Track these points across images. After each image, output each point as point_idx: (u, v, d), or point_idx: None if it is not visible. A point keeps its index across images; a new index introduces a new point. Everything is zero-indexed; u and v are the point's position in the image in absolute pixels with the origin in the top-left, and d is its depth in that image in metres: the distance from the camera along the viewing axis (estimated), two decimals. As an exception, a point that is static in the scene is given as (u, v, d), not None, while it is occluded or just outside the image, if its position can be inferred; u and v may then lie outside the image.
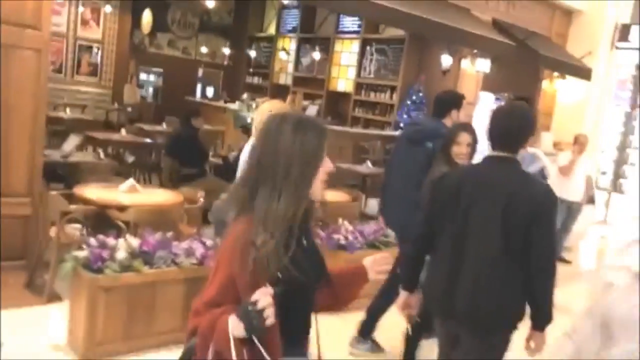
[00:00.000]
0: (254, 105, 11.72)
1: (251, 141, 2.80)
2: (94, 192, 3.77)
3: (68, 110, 9.03)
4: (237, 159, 5.99)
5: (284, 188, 1.42)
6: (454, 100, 3.60)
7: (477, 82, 7.46)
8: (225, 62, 14.61)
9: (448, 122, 3.53)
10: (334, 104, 12.12)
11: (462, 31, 6.27)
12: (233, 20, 14.59)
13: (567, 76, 8.32)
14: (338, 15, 11.95)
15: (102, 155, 5.18)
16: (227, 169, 6.10)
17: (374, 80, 11.26)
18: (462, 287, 2.20)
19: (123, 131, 7.14)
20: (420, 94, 9.84)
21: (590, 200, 7.46)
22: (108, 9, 11.87)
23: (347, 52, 11.94)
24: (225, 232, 1.49)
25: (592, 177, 6.96)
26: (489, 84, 8.25)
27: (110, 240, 2.98)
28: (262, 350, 1.32)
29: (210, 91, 14.70)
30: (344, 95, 11.91)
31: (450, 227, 2.27)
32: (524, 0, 7.77)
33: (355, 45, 11.69)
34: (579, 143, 6.34)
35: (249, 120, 11.66)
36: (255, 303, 1.28)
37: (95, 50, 12.26)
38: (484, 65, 7.27)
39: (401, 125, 10.06)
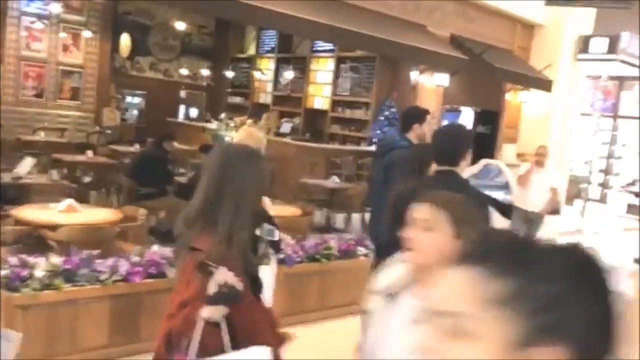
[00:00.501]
0: (232, 124, 11.92)
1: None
2: (30, 212, 3.87)
3: (43, 133, 9.16)
4: (194, 178, 6.15)
5: (243, 207, 1.76)
6: (415, 115, 3.81)
7: (437, 96, 7.58)
8: (207, 84, 14.79)
9: (412, 136, 3.69)
10: (312, 121, 12.28)
11: (413, 48, 6.41)
12: (214, 42, 14.81)
13: (531, 88, 8.44)
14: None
15: (55, 176, 5.26)
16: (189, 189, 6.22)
17: (349, 97, 11.45)
18: None
19: (89, 153, 7.25)
20: (393, 110, 10.00)
21: (555, 211, 7.53)
22: (87, 34, 12.06)
23: (322, 71, 12.14)
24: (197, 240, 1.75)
25: (559, 188, 7.04)
26: (452, 98, 8.39)
27: (31, 259, 3.06)
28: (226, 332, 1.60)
29: (193, 112, 14.86)
30: (321, 113, 12.09)
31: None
32: (484, 15, 7.93)
33: (330, 64, 11.89)
34: (537, 154, 6.44)
35: (227, 139, 11.84)
36: (224, 282, 1.56)
37: (76, 74, 12.43)
38: (442, 79, 7.40)
39: (374, 140, 10.23)
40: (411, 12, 7.01)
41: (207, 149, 6.60)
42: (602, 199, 13.99)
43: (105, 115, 12.16)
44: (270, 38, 13.54)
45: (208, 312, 1.58)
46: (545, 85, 8.11)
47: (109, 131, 11.73)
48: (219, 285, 1.56)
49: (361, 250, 4.76)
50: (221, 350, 1.59)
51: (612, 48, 8.30)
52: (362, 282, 4.67)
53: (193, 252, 1.71)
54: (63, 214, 3.92)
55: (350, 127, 11.43)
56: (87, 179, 6.05)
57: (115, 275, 3.22)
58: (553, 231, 7.71)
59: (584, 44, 8.58)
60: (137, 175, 6.09)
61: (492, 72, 7.31)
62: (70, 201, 4.06)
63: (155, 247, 3.50)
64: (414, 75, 8.74)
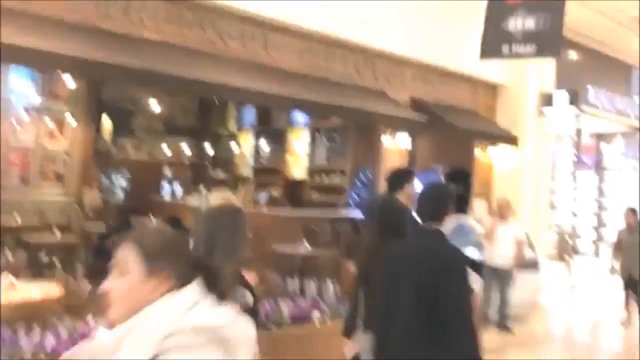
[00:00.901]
0: (211, 198, 11.96)
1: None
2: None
3: (19, 218, 9.19)
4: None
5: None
6: (405, 176, 3.93)
7: (401, 157, 7.68)
8: (190, 161, 15.02)
9: (402, 196, 3.71)
10: (292, 190, 12.37)
11: (371, 113, 6.58)
12: (197, 121, 15.18)
13: (498, 144, 8.56)
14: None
15: (9, 256, 5.25)
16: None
17: (326, 166, 11.61)
18: (390, 344, 2.58)
19: (57, 233, 7.25)
20: (368, 174, 10.10)
21: (530, 265, 7.43)
22: (71, 120, 12.33)
23: (299, 142, 12.36)
24: None
25: (525, 240, 6.99)
26: (422, 159, 8.49)
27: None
28: None
29: (178, 189, 15.00)
30: (300, 182, 12.20)
31: (381, 284, 2.73)
32: (444, 78, 8.17)
33: (306, 135, 12.13)
34: (499, 207, 6.44)
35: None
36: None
37: (60, 160, 12.61)
38: (404, 141, 7.52)
39: (352, 205, 10.28)
40: (369, 79, 7.23)
41: (175, 222, 6.62)
42: (596, 253, 13.86)
43: (86, 196, 12.24)
44: (250, 113, 13.89)
45: None
46: (510, 140, 8.23)
47: (90, 213, 11.79)
48: None
49: (316, 314, 4.67)
50: None
51: (574, 101, 8.50)
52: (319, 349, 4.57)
53: None
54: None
55: (328, 194, 11.49)
56: (45, 259, 6.00)
57: (39, 352, 3.15)
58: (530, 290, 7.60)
59: (546, 100, 8.78)
60: (99, 251, 6.06)
61: (453, 132, 7.43)
62: (8, 278, 4.02)
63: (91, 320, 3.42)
64: (387, 140, 8.94)
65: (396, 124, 6.99)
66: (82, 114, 12.39)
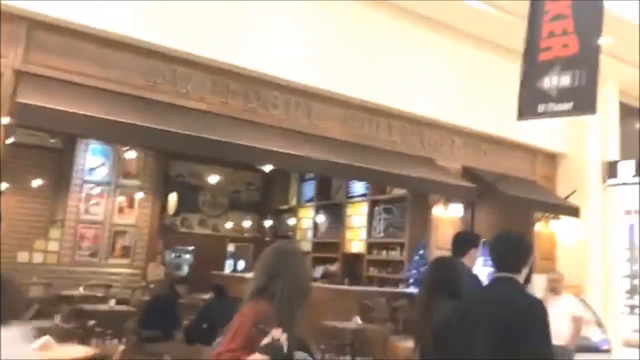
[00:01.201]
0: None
1: None
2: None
3: (81, 288, 9.55)
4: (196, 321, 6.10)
5: (291, 293, 2.28)
6: (472, 240, 3.89)
7: (453, 227, 7.40)
8: (253, 236, 15.23)
9: (467, 260, 3.68)
10: (350, 265, 12.20)
11: (418, 179, 6.47)
12: (260, 197, 15.54)
13: (560, 216, 8.11)
14: (347, 181, 12.58)
15: (58, 320, 5.40)
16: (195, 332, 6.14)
17: (384, 239, 11.40)
18: None
19: (112, 302, 7.42)
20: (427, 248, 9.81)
21: (595, 346, 6.75)
22: (141, 195, 12.97)
23: (357, 215, 12.29)
24: (247, 305, 2.27)
25: (585, 317, 6.38)
26: (480, 230, 8.15)
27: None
28: None
29: (241, 264, 15.16)
30: (358, 256, 12.01)
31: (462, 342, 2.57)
32: (498, 147, 7.97)
33: (364, 208, 12.06)
34: (550, 281, 5.99)
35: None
36: (278, 339, 2.05)
37: (128, 234, 13.17)
38: (456, 210, 7.28)
39: (410, 280, 9.94)
40: (417, 148, 7.18)
41: (218, 288, 6.63)
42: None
43: (150, 270, 12.58)
44: (311, 188, 14.07)
45: (256, 357, 2.05)
46: (571, 211, 7.79)
47: (152, 285, 12.05)
48: (272, 339, 2.04)
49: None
50: None
51: (639, 171, 7.99)
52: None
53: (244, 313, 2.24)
54: (37, 351, 3.93)
55: (386, 269, 11.21)
56: (91, 322, 6.11)
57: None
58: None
59: (611, 170, 8.32)
60: (143, 318, 6.11)
61: (509, 201, 7.14)
62: (46, 338, 4.10)
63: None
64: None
65: (445, 191, 6.81)
66: (150, 190, 13.07)
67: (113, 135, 5.15)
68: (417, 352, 3.22)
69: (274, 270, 2.33)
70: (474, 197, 7.03)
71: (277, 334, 2.07)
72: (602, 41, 3.97)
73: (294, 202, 14.82)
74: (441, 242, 7.43)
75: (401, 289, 10.17)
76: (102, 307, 7.35)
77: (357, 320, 7.66)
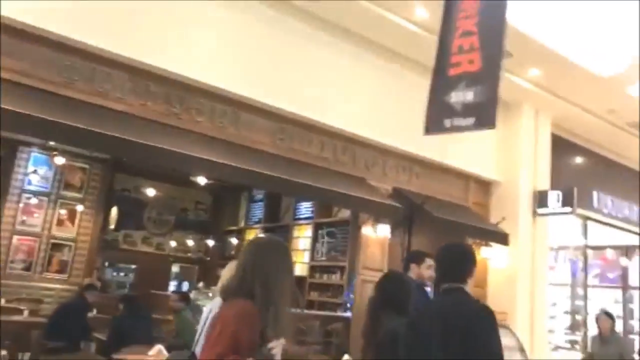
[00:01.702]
0: (210, 294, 11.76)
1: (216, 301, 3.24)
2: None
3: (3, 300, 9.17)
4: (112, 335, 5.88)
5: (272, 286, 2.24)
6: (413, 257, 4.30)
7: (382, 247, 7.40)
8: (199, 257, 14.96)
9: (412, 274, 4.13)
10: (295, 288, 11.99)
11: (344, 195, 6.47)
12: (209, 217, 15.32)
13: (492, 244, 8.19)
14: (296, 203, 12.52)
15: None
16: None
17: (326, 262, 11.32)
18: None
19: (26, 313, 7.13)
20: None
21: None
22: (82, 208, 12.62)
23: (303, 238, 12.20)
24: (226, 307, 2.21)
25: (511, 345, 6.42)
26: (404, 250, 8.20)
27: None
28: None
29: (185, 285, 14.81)
30: (301, 279, 11.85)
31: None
32: (431, 171, 8.05)
33: (309, 230, 12.00)
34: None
35: (204, 308, 11.53)
36: (271, 348, 2.14)
37: (67, 248, 12.74)
38: (384, 230, 7.29)
39: (349, 305, 9.85)
40: (349, 167, 7.20)
41: (128, 300, 6.44)
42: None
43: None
44: (258, 209, 13.96)
45: None
46: (500, 238, 7.88)
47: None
48: (267, 348, 2.13)
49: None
50: None
51: (567, 201, 8.18)
52: None
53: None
54: None
55: (327, 292, 11.10)
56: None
57: None
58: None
59: (541, 199, 8.49)
60: (49, 327, 5.87)
61: (436, 224, 7.18)
62: None
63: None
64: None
65: (372, 210, 6.82)
66: (93, 203, 12.73)
67: (24, 128, 5.00)
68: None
69: (258, 264, 2.22)
70: (402, 218, 7.05)
71: (274, 344, 2.14)
72: (504, 58, 4.08)
73: (242, 223, 14.66)
74: (369, 262, 7.42)
75: (338, 312, 10.08)
76: (15, 317, 7.04)
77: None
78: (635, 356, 6.47)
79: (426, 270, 4.11)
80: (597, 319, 6.79)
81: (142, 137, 5.22)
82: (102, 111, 5.27)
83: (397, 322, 3.12)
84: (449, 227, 7.37)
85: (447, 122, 4.13)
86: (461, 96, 4.09)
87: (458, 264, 2.64)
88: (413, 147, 7.65)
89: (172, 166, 5.62)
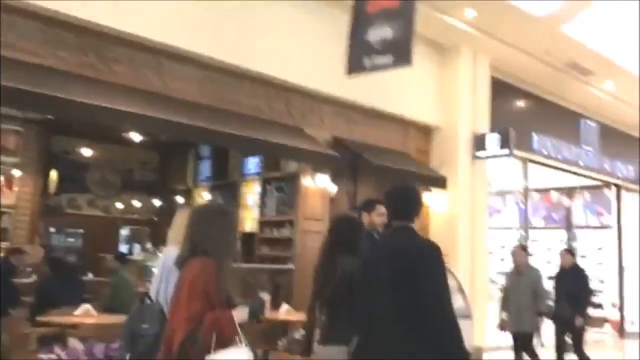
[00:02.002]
0: (159, 254, 11.60)
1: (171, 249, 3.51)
2: None
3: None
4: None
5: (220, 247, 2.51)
6: (362, 205, 4.36)
7: (322, 198, 7.35)
8: (149, 218, 14.68)
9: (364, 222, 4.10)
10: (245, 244, 11.94)
11: (278, 145, 6.34)
12: (157, 176, 14.97)
13: (433, 188, 8.24)
14: (243, 159, 12.33)
15: None
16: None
17: (275, 217, 11.26)
18: (376, 347, 2.51)
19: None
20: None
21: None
22: (18, 172, 12.10)
23: (251, 194, 12.07)
24: (186, 267, 2.42)
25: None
26: (359, 201, 8.18)
27: None
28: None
29: (137, 247, 14.57)
30: (251, 235, 11.80)
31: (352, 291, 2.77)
32: (371, 119, 7.97)
33: (257, 186, 11.86)
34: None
35: (153, 270, 11.42)
36: (261, 298, 2.44)
37: (6, 215, 12.27)
38: (323, 180, 7.22)
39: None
40: (283, 115, 7.03)
41: (54, 262, 6.25)
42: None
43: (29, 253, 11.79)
44: (206, 167, 13.72)
45: (236, 314, 2.36)
46: (438, 182, 7.93)
47: (29, 269, 11.30)
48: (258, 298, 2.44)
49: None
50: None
51: (504, 143, 8.26)
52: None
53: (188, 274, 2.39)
54: None
55: (277, 247, 11.07)
56: None
57: None
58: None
59: (480, 142, 8.55)
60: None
61: (375, 171, 7.15)
62: None
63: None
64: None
65: (310, 159, 6.72)
66: (31, 168, 12.22)
67: None
68: (316, 307, 3.43)
69: (205, 229, 2.47)
70: (342, 167, 6.98)
71: (263, 295, 2.40)
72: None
73: (190, 182, 14.39)
74: (310, 212, 7.38)
75: (289, 265, 10.10)
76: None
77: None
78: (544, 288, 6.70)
79: (377, 217, 4.13)
80: (513, 253, 6.86)
81: (57, 91, 4.92)
82: (11, 64, 4.92)
83: (352, 262, 3.22)
84: (389, 174, 7.35)
85: (367, 61, 4.01)
86: (379, 33, 3.96)
87: (405, 203, 2.72)
88: (351, 94, 7.52)
89: (90, 120, 5.35)
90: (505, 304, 6.68)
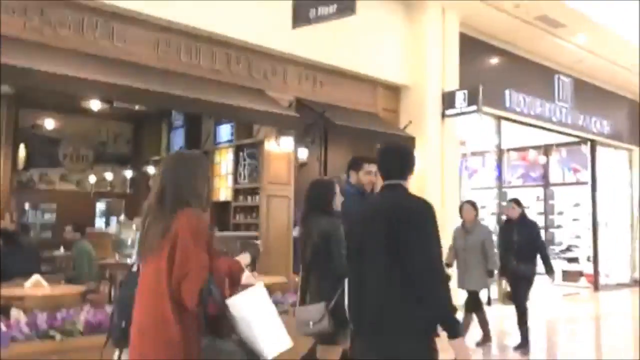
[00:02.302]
0: (134, 226, 11.49)
1: None
2: None
3: None
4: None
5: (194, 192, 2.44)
6: (349, 164, 4.34)
7: (287, 161, 7.23)
8: (123, 191, 14.50)
9: (352, 180, 4.24)
10: (220, 213, 11.85)
11: (236, 107, 6.17)
12: (131, 148, 14.74)
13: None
14: (216, 127, 12.14)
15: None
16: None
17: (249, 184, 11.15)
18: (367, 305, 2.53)
19: None
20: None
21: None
22: (-14, 146, 11.80)
23: (224, 162, 11.92)
24: (171, 221, 2.30)
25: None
26: (329, 165, 8.10)
27: None
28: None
29: (113, 220, 14.41)
30: (225, 204, 11.70)
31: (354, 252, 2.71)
32: (336, 78, 7.80)
33: (230, 154, 11.71)
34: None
35: (129, 243, 11.34)
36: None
37: (-24, 192, 12.02)
38: (287, 144, 7.09)
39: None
40: (245, 78, 6.85)
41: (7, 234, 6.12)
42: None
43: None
44: (179, 137, 13.49)
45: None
46: (406, 142, 7.82)
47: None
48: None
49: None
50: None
51: (472, 100, 8.14)
52: None
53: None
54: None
55: (251, 214, 10.99)
56: None
57: None
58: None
59: (449, 100, 8.43)
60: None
61: (340, 132, 7.03)
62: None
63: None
64: (302, 152, 8.57)
65: (269, 121, 6.58)
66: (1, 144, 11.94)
67: None
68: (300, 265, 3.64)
69: (186, 179, 2.38)
70: (306, 129, 6.84)
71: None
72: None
73: (164, 153, 14.17)
74: (274, 177, 7.27)
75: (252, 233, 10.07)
76: None
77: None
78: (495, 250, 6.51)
79: (365, 175, 4.15)
80: (461, 209, 6.65)
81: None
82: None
83: (326, 221, 3.48)
84: (356, 136, 7.23)
85: (312, 12, 3.86)
86: (324, -17, 3.77)
87: (397, 161, 2.72)
88: (316, 54, 7.34)
89: (39, 87, 5.14)
90: (451, 261, 6.43)
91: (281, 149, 7.09)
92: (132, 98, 5.91)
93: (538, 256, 6.42)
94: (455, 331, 2.34)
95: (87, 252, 6.43)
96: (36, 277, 4.57)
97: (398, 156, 2.76)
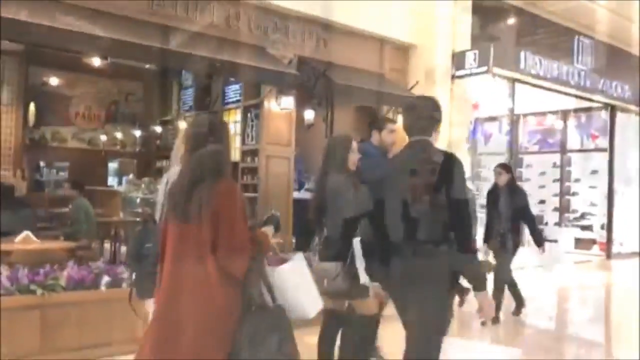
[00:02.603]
0: (142, 185, 11.54)
1: (173, 170, 3.32)
2: None
3: None
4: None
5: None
6: (372, 123, 4.25)
7: (288, 121, 7.08)
8: (137, 150, 14.54)
9: (374, 140, 4.14)
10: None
11: (228, 63, 6.00)
12: (142, 108, 14.70)
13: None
14: (224, 87, 12.00)
15: None
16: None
17: (257, 145, 11.03)
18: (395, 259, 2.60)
19: None
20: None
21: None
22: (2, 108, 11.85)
23: (233, 123, 11.79)
24: (212, 192, 2.25)
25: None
26: (335, 127, 7.92)
27: None
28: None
29: (125, 180, 14.51)
30: (234, 165, 11.62)
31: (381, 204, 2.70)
32: (343, 35, 7.54)
33: (238, 115, 11.58)
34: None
35: (138, 201, 11.38)
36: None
37: (-13, 149, 12.14)
38: (288, 103, 6.92)
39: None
40: (245, 34, 6.65)
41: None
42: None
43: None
44: (189, 97, 13.40)
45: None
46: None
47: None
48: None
49: (107, 280, 4.09)
50: None
51: (483, 60, 7.83)
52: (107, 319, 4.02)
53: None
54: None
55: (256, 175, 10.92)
56: None
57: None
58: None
59: (459, 60, 8.13)
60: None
61: (343, 93, 6.83)
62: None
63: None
64: (309, 114, 8.39)
65: (271, 80, 6.40)
66: (12, 101, 11.97)
67: None
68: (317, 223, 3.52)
69: (222, 147, 2.35)
70: (308, 88, 6.65)
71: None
72: None
73: (174, 112, 14.11)
74: (273, 137, 7.14)
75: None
76: None
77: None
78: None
79: (388, 135, 4.05)
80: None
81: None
82: None
83: (338, 178, 3.42)
84: (358, 95, 7.02)
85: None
86: None
87: (423, 117, 2.69)
88: (321, 11, 7.09)
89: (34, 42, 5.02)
90: None
91: (282, 109, 6.92)
92: (126, 53, 5.76)
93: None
94: (481, 284, 2.51)
95: (84, 209, 6.44)
96: (26, 233, 4.58)
97: (423, 111, 2.72)
